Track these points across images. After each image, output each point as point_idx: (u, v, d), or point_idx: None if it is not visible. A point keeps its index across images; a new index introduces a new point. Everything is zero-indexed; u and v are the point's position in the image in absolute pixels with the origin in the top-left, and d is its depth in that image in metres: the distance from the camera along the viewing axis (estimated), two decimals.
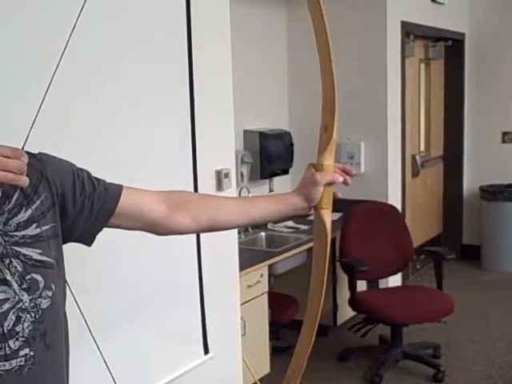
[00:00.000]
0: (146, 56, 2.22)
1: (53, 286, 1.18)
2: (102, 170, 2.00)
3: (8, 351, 1.11)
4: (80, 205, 1.24)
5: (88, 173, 1.30)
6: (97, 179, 1.30)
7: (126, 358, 2.20)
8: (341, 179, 1.38)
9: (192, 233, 1.43)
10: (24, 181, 1.01)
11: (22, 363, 1.13)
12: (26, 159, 1.02)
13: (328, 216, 1.38)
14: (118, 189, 1.31)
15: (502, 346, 4.20)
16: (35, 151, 1.22)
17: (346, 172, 1.40)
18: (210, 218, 1.40)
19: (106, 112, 2.06)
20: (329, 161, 1.36)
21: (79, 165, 1.29)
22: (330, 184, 1.37)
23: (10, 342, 1.12)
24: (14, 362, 1.12)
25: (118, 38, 2.09)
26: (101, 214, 1.27)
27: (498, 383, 3.69)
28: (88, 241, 1.31)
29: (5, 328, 1.11)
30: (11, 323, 1.12)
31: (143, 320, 2.23)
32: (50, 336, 1.17)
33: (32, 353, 1.14)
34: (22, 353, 1.13)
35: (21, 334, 1.12)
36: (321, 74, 1.33)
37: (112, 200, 1.29)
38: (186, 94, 2.40)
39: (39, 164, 1.19)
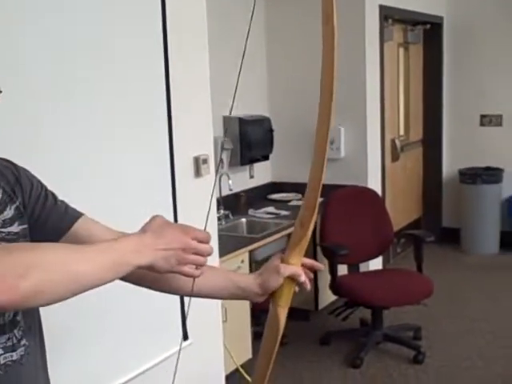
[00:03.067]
0: (121, 44, 2.19)
1: None
2: (76, 157, 1.99)
3: (15, 341, 1.14)
4: (38, 214, 1.24)
5: (53, 191, 1.30)
6: (61, 200, 1.30)
7: (105, 346, 2.20)
8: (302, 279, 1.31)
9: (135, 280, 1.33)
10: (206, 262, 1.13)
11: (23, 353, 1.15)
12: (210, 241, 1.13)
13: (284, 315, 1.31)
14: (77, 213, 1.31)
15: (481, 327, 4.26)
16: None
17: (313, 268, 1.35)
18: None
19: (80, 100, 2.04)
20: (296, 261, 1.30)
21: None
22: (292, 280, 1.31)
23: (16, 332, 1.14)
24: (18, 351, 1.14)
25: (93, 24, 2.07)
26: (53, 230, 1.26)
27: (478, 364, 3.74)
28: None
29: (6, 318, 1.12)
30: (11, 313, 1.13)
31: (121, 307, 2.22)
32: (32, 329, 1.20)
33: (27, 343, 1.17)
34: (22, 342, 1.15)
35: (21, 324, 1.15)
36: (311, 166, 1.26)
37: (69, 220, 1.28)
38: (161, 81, 2.38)
39: (14, 168, 1.23)
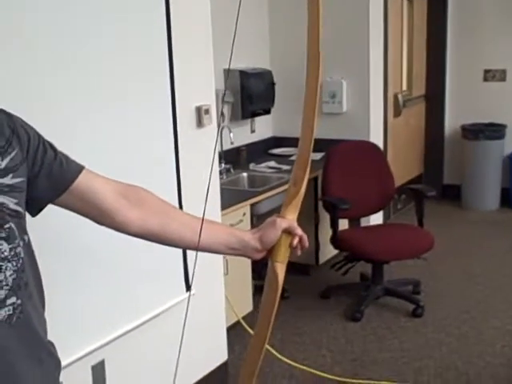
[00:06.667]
0: None
1: (25, 237, 1.18)
2: (76, 109, 1.96)
3: None
4: (38, 168, 1.21)
5: (50, 142, 1.27)
6: (60, 152, 1.27)
7: (107, 296, 2.21)
8: (299, 232, 1.34)
9: (136, 233, 1.35)
10: None
11: (11, 312, 1.12)
12: None
13: (282, 270, 1.33)
14: (78, 167, 1.29)
15: (480, 282, 4.28)
16: None
17: (300, 240, 1.36)
18: (160, 223, 1.35)
19: (80, 53, 2.00)
20: (292, 215, 1.35)
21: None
22: (288, 234, 1.34)
23: None
24: (2, 311, 1.11)
25: None
26: (56, 185, 1.24)
27: (476, 318, 3.78)
28: (34, 209, 1.26)
29: None
30: None
31: (124, 257, 2.22)
32: (30, 285, 1.17)
33: (19, 301, 1.13)
34: (9, 302, 1.12)
35: (5, 283, 1.11)
36: (301, 127, 1.29)
37: (70, 175, 1.26)
38: (163, 32, 2.33)
39: (9, 120, 1.18)
